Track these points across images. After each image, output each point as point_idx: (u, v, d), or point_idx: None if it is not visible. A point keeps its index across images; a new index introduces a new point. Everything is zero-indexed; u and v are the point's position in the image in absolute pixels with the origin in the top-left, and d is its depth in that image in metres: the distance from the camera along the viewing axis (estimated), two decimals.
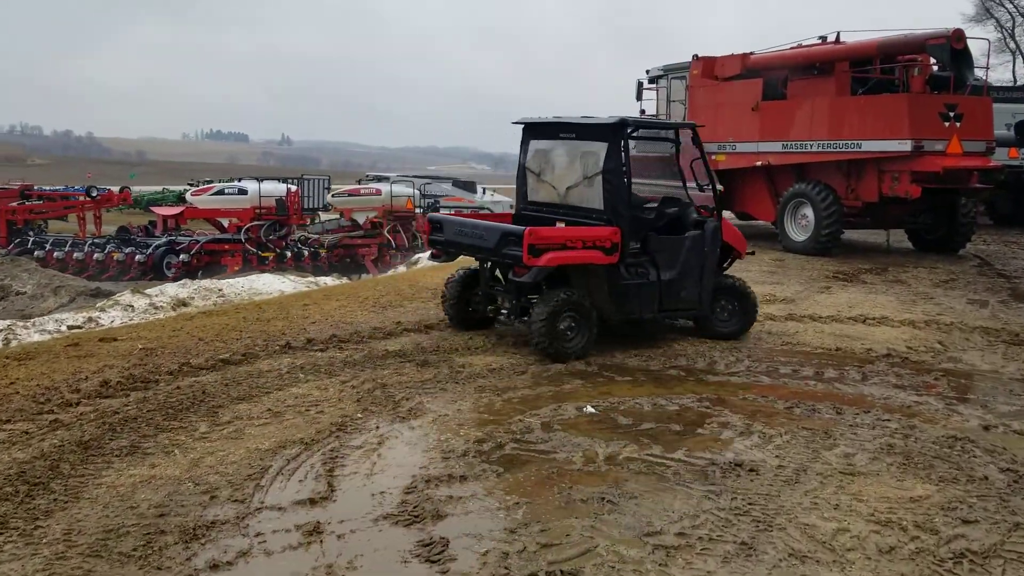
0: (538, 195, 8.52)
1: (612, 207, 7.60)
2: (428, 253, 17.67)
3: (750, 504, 4.48)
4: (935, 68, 15.00)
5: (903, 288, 11.61)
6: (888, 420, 5.90)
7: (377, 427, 5.56)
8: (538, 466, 4.96)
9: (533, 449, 5.23)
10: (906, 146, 13.68)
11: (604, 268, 7.49)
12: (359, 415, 5.77)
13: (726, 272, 8.65)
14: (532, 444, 5.32)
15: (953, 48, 13.41)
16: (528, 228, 7.20)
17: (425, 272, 13.39)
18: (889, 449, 5.33)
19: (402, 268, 15.84)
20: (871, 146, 14.14)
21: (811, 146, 15.03)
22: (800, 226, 15.21)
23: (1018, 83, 34.95)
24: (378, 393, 6.24)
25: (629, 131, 7.73)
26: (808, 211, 14.95)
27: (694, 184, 8.12)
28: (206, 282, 13.25)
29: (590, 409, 6.03)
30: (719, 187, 8.52)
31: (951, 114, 13.99)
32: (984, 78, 16.17)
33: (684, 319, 8.50)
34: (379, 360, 7.17)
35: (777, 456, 5.21)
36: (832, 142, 14.69)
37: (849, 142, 14.44)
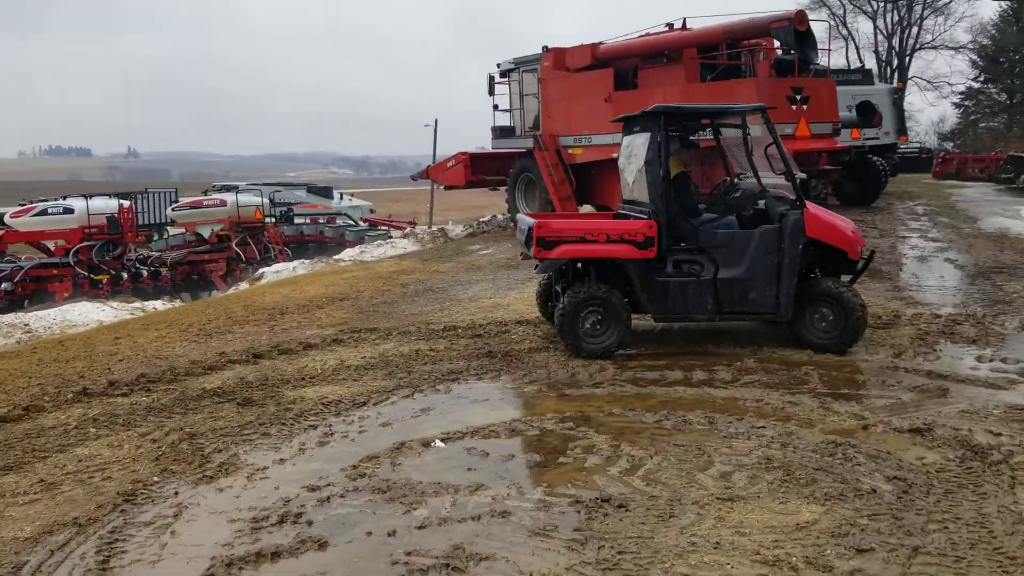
0: (624, 192, 8.36)
1: (652, 199, 7.21)
2: (275, 267, 16.49)
3: (620, 554, 3.80)
4: (780, 52, 15.04)
5: None
6: (763, 427, 5.39)
7: (176, 493, 4.58)
8: (372, 527, 4.13)
9: (363, 505, 4.40)
10: (756, 131, 13.57)
11: (639, 264, 7.13)
12: (155, 478, 4.77)
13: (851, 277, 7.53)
14: (364, 495, 4.48)
15: (797, 30, 13.38)
16: (538, 220, 7.27)
17: (266, 290, 12.25)
18: (768, 463, 4.78)
19: (244, 285, 14.58)
20: (726, 132, 13.97)
21: None
22: None
23: (853, 67, 36.57)
24: (184, 447, 5.24)
25: (667, 120, 7.30)
26: None
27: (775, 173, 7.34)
28: (9, 316, 11.67)
29: (439, 443, 5.25)
30: (799, 174, 7.50)
31: (798, 97, 14.00)
32: (826, 62, 16.41)
33: (762, 323, 7.81)
34: (192, 402, 6.15)
35: (649, 484, 4.57)
36: None
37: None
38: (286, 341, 8.06)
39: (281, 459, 5.08)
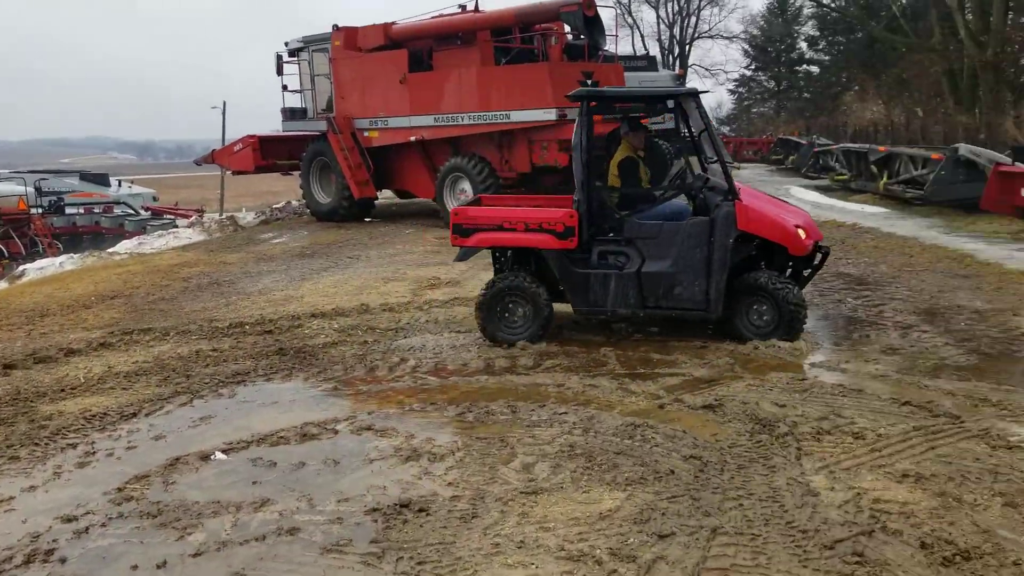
0: None
1: (576, 187, 6.94)
2: (39, 263, 14.86)
3: (420, 564, 3.55)
4: (570, 37, 15.27)
5: None
6: (565, 413, 5.31)
7: None
8: (138, 560, 3.63)
9: (128, 535, 3.88)
10: (551, 115, 13.70)
11: (559, 254, 6.89)
12: None
13: (796, 272, 7.10)
14: (130, 522, 3.96)
15: (585, 15, 13.56)
16: (456, 207, 7.22)
17: (26, 289, 10.97)
18: (571, 451, 4.69)
19: (2, 284, 13.03)
20: (519, 116, 14.01)
21: (463, 119, 14.63)
22: (460, 201, 14.79)
23: (638, 54, 38.19)
24: None
25: (592, 103, 7.02)
26: (466, 185, 14.57)
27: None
28: None
29: (220, 455, 4.76)
30: (731, 162, 7.51)
31: (589, 82, 14.24)
32: (614, 49, 16.85)
33: (689, 320, 7.14)
34: None
35: (450, 484, 4.35)
36: (483, 114, 14.38)
37: (499, 113, 14.21)
38: (44, 347, 7.17)
39: (31, 486, 4.42)
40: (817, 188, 21.09)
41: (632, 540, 3.69)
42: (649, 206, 7.09)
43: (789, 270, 7.03)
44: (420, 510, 4.05)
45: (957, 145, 15.04)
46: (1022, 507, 3.86)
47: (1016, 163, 12.72)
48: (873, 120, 30.23)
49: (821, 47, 48.37)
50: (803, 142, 26.30)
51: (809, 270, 7.12)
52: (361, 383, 6.13)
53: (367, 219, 16.39)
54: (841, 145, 22.06)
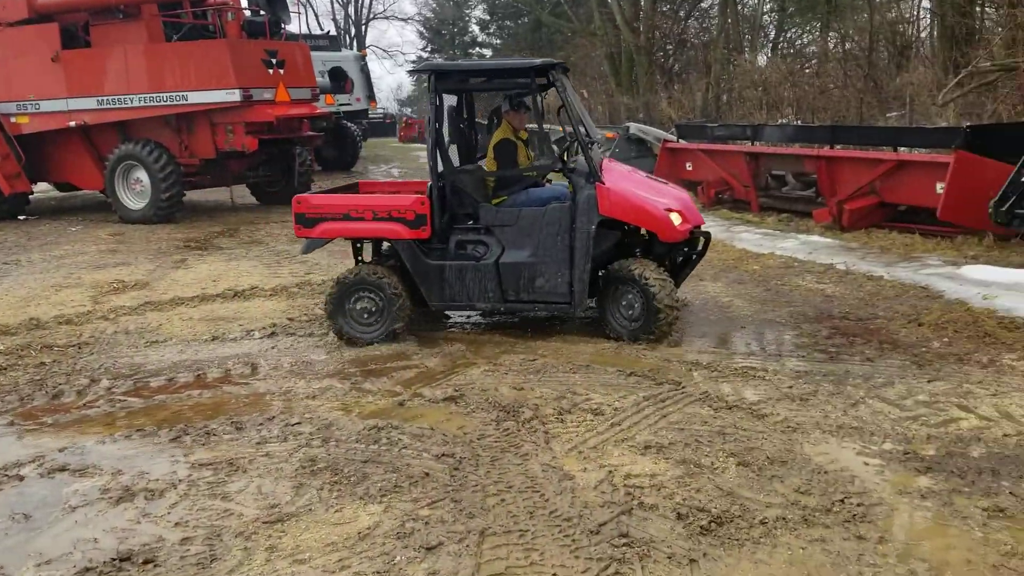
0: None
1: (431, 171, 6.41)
2: None
3: None
4: (249, 13, 14.34)
5: (263, 249, 10.79)
6: (299, 424, 4.86)
7: None
8: None
9: None
10: (235, 96, 12.81)
11: (410, 245, 6.35)
12: None
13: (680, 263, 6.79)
14: None
15: None
16: (297, 196, 6.62)
17: None
18: (312, 466, 4.28)
19: None
20: (199, 97, 12.93)
21: (132, 100, 13.20)
22: (135, 192, 13.37)
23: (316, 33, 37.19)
24: None
25: (438, 79, 6.33)
26: (142, 174, 13.20)
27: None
28: None
29: None
30: (598, 139, 6.49)
31: (273, 61, 13.50)
32: (296, 28, 16.11)
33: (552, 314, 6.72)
34: None
35: (177, 524, 3.76)
36: (155, 95, 13.09)
37: (174, 94, 13.01)
38: None
39: None
40: None
41: (399, 558, 3.41)
42: (524, 191, 6.64)
43: (678, 259, 6.73)
44: (146, 562, 3.44)
45: (628, 124, 16.31)
46: (752, 465, 4.12)
47: (680, 140, 14.03)
48: (547, 102, 31.96)
49: (492, 30, 50.44)
50: (484, 123, 27.15)
51: (695, 257, 6.77)
52: (45, 414, 5.19)
53: (21, 217, 14.28)
54: None
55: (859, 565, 3.24)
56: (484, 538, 3.54)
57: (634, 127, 15.67)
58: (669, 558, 3.33)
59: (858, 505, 3.68)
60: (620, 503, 3.78)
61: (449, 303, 6.44)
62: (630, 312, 6.17)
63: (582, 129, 6.14)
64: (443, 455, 4.34)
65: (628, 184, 6.29)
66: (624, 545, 3.43)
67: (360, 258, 6.88)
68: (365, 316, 6.44)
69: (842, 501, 3.72)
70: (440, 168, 6.35)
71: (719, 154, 12.95)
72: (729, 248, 9.92)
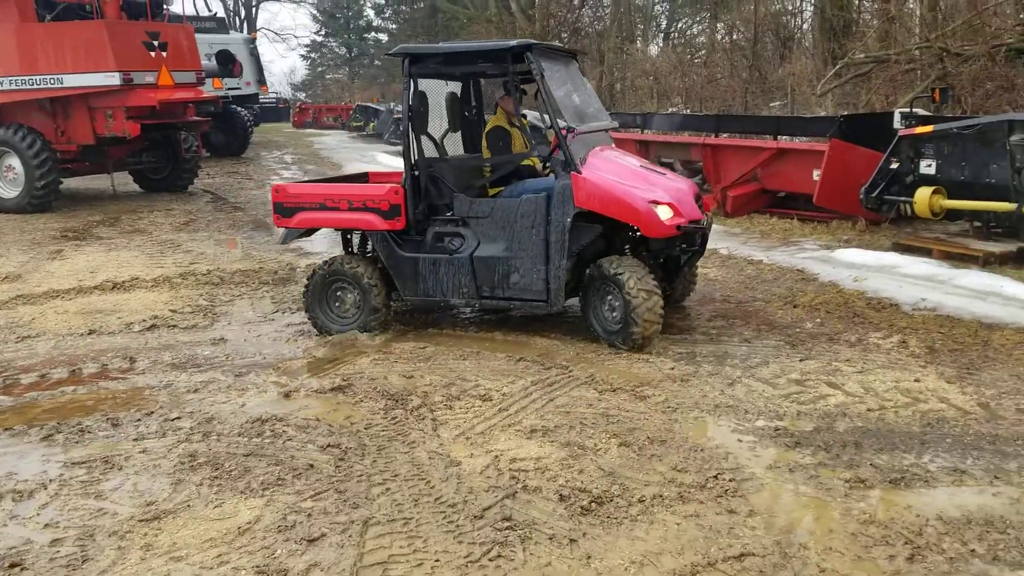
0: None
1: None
2: None
3: None
4: None
5: (145, 238, 10.41)
6: (179, 418, 4.73)
7: None
8: None
9: None
10: (114, 79, 12.30)
11: (385, 236, 6.13)
12: None
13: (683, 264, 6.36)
14: None
15: None
16: (276, 185, 6.41)
17: None
18: (192, 462, 4.18)
19: None
20: (75, 81, 12.37)
21: (2, 83, 12.49)
22: (8, 180, 12.70)
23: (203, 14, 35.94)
24: None
25: (412, 63, 6.04)
26: (15, 161, 12.54)
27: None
28: None
29: None
30: (568, 128, 5.68)
31: (155, 43, 13.00)
32: (180, 9, 15.57)
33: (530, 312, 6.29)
34: None
35: (48, 526, 3.61)
36: (28, 78, 12.46)
37: (49, 77, 12.40)
38: None
39: None
40: (400, 154, 21.70)
41: (279, 551, 3.37)
42: (520, 182, 6.32)
43: (677, 255, 6.23)
44: (13, 565, 3.30)
45: (523, 112, 16.37)
46: (633, 445, 4.24)
47: None
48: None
49: (387, 15, 49.84)
50: (382, 109, 26.92)
51: (691, 255, 6.19)
52: None
53: None
54: None
55: (729, 538, 3.38)
56: (367, 528, 3.53)
57: (531, 115, 15.77)
58: (550, 539, 3.40)
59: (730, 480, 3.84)
60: (505, 487, 3.83)
61: (424, 297, 6.16)
62: (612, 315, 5.70)
63: (561, 121, 5.63)
64: (328, 446, 4.31)
65: (611, 174, 5.74)
66: (507, 528, 3.48)
67: (350, 248, 6.68)
68: (342, 308, 6.25)
69: (716, 477, 3.87)
70: (415, 157, 6.10)
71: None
72: None
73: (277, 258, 9.03)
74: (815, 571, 3.15)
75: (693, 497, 3.71)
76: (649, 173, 6.04)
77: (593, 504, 3.66)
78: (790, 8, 21.98)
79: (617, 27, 24.82)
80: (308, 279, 6.32)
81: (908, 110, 9.78)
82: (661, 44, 26.24)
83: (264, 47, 51.42)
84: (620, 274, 5.56)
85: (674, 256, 6.22)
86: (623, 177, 5.77)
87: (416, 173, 6.07)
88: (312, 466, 4.09)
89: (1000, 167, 7.82)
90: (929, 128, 8.48)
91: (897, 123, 9.29)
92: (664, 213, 5.59)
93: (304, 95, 51.08)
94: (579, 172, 5.58)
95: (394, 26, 48.94)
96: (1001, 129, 7.80)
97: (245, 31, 42.55)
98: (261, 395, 5.07)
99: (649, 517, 3.56)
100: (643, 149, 12.49)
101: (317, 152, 23.73)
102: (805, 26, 21.63)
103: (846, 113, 11.26)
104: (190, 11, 37.06)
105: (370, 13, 50.97)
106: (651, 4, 27.76)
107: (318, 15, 52.15)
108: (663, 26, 28.20)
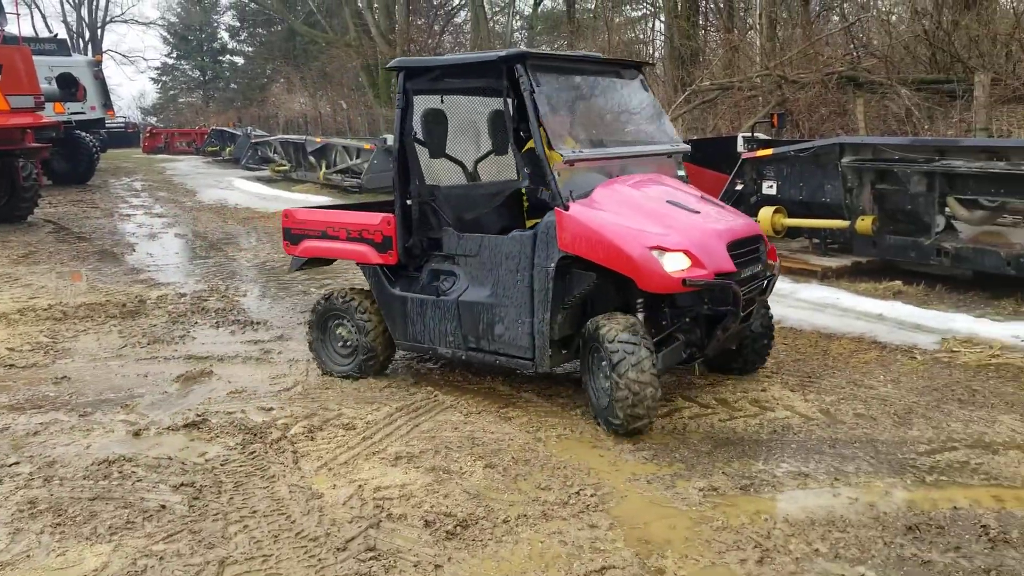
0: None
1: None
2: None
3: None
4: None
5: None
6: (17, 463, 4.42)
7: None
8: None
9: None
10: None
11: (375, 271, 5.56)
12: None
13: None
14: None
15: None
16: (286, 209, 6.07)
17: None
18: (32, 509, 3.90)
19: None
20: None
21: None
22: None
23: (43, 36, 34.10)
24: None
25: (409, 77, 5.38)
26: None
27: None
28: None
29: None
30: (568, 153, 4.81)
31: None
32: (16, 30, 14.74)
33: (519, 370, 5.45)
34: None
35: None
36: None
37: None
38: None
39: None
40: (260, 179, 21.24)
41: None
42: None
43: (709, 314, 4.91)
44: None
45: (385, 136, 16.36)
46: (499, 466, 4.27)
47: None
48: (302, 112, 31.43)
49: (243, 38, 48.68)
50: (239, 133, 26.25)
51: (732, 318, 4.76)
52: None
53: None
54: (278, 137, 22.48)
55: (591, 552, 3.44)
56: (224, 568, 3.40)
57: (392, 139, 15.74)
58: (415, 566, 3.37)
59: (592, 496, 3.92)
60: (369, 517, 3.77)
61: (413, 343, 5.47)
62: (606, 385, 4.58)
63: (562, 149, 4.78)
64: (182, 485, 4.12)
65: (611, 210, 4.71)
66: (371, 559, 3.43)
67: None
68: (343, 347, 5.75)
69: (578, 493, 3.94)
70: (410, 184, 5.36)
71: None
72: None
73: (126, 290, 8.61)
74: (671, 571, 3.26)
75: (556, 514, 3.77)
76: (676, 211, 4.85)
77: (458, 528, 3.65)
78: (642, 37, 22.93)
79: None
80: (311, 313, 5.92)
81: (750, 134, 10.37)
82: None
83: (111, 70, 49.34)
84: (603, 329, 4.56)
85: (711, 316, 4.90)
86: (628, 214, 4.70)
87: (408, 202, 5.38)
88: (164, 507, 3.90)
89: (834, 187, 8.39)
90: (769, 151, 9.01)
91: (740, 147, 9.83)
92: (672, 262, 4.51)
93: (155, 119, 49.08)
94: (564, 208, 4.67)
95: (250, 49, 47.84)
96: (833, 151, 8.37)
97: (89, 53, 40.60)
98: (108, 435, 4.80)
99: (514, 537, 3.58)
100: None
101: (170, 179, 22.84)
102: (657, 54, 22.59)
103: (695, 138, 11.80)
104: (28, 32, 35.05)
105: (224, 35, 49.60)
106: (510, 32, 28.32)
107: (169, 37, 50.35)
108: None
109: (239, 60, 49.54)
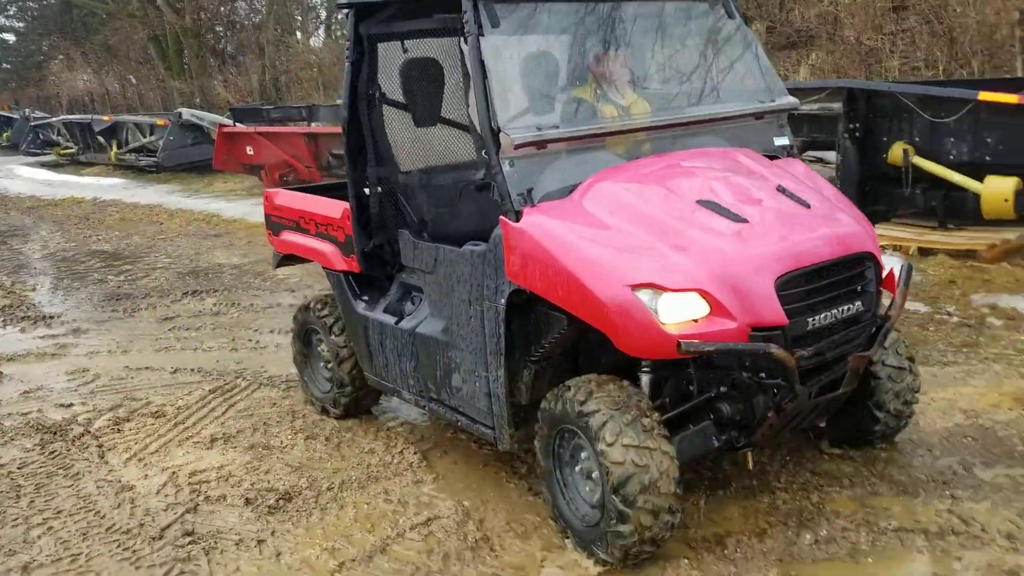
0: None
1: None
2: None
3: None
4: None
5: None
6: None
7: None
8: None
9: None
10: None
11: (339, 279, 4.19)
12: None
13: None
14: None
15: None
16: (267, 191, 4.81)
17: None
18: None
19: None
20: None
21: None
22: None
23: None
24: None
25: (360, 15, 3.78)
26: None
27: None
28: None
29: None
30: (518, 133, 3.06)
31: None
32: None
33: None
34: None
35: None
36: None
37: None
38: None
39: None
40: (44, 165, 19.70)
41: None
42: None
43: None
44: None
45: (180, 110, 15.52)
46: (320, 436, 4.23)
47: (236, 123, 13.69)
48: (88, 89, 29.22)
49: (12, 13, 44.40)
50: (16, 116, 24.17)
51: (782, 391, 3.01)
52: None
53: None
54: (61, 117, 20.81)
55: (416, 507, 3.49)
56: (29, 573, 3.20)
57: (187, 113, 14.96)
58: (237, 544, 3.30)
59: (415, 453, 3.96)
60: (185, 502, 3.65)
61: (380, 381, 4.13)
62: (586, 489, 3.13)
63: (487, 122, 3.10)
64: None
65: (595, 218, 3.03)
66: (189, 543, 3.33)
67: None
68: (326, 368, 4.48)
69: (401, 452, 3.98)
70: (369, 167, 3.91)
71: (278, 136, 12.87)
72: None
73: None
74: (495, 522, 3.36)
75: (381, 475, 3.79)
76: (706, 219, 3.02)
77: (281, 501, 3.60)
78: None
79: (275, 19, 24.18)
80: (292, 321, 4.72)
81: None
82: (323, 35, 25.99)
83: None
84: (608, 451, 2.86)
85: (751, 387, 3.09)
86: (620, 228, 3.00)
87: (367, 191, 3.93)
88: None
89: None
90: None
91: None
92: (673, 309, 2.83)
93: None
94: (515, 218, 3.08)
95: (21, 24, 43.75)
96: None
97: None
98: None
99: (339, 503, 3.57)
100: (312, 142, 12.36)
101: None
102: None
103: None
104: None
105: None
106: None
107: None
108: (323, 17, 27.90)
109: (9, 37, 45.19)
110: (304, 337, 4.59)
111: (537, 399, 3.31)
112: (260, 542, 3.31)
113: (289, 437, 4.24)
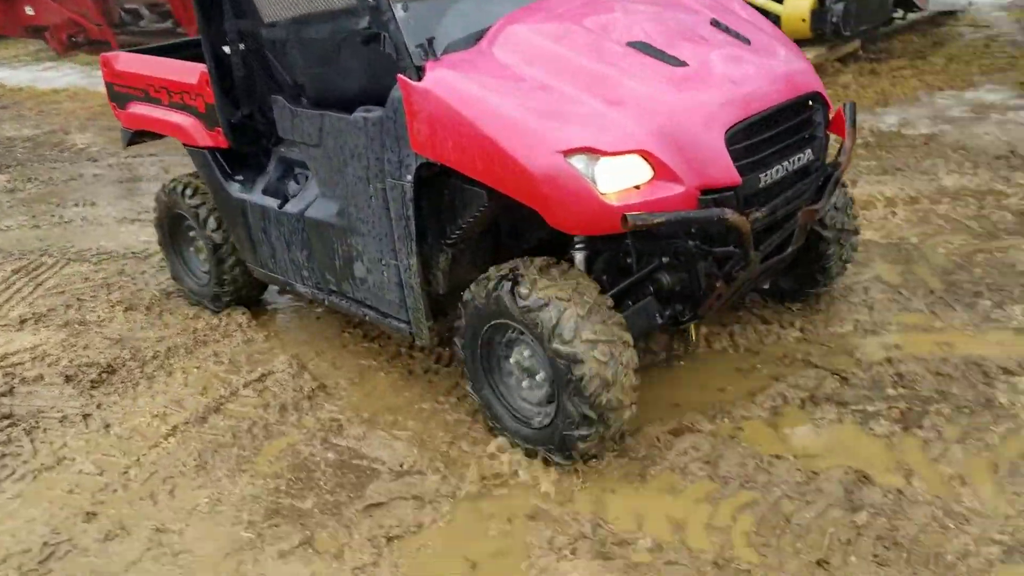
0: None
1: None
2: None
3: None
4: None
5: None
6: None
7: None
8: None
9: None
10: None
11: (207, 157, 3.56)
12: None
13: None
14: None
15: None
16: (104, 55, 4.00)
17: None
18: None
19: None
20: None
21: None
22: None
23: None
24: None
25: None
26: None
27: None
28: None
29: None
30: None
31: None
32: None
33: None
34: None
35: None
36: None
37: None
38: None
39: None
40: None
41: None
42: None
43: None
44: None
45: None
46: (140, 307, 4.06)
47: None
48: None
49: None
50: None
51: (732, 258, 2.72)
52: None
53: None
54: None
55: (250, 365, 3.46)
56: None
57: None
58: (61, 421, 3.18)
59: (243, 314, 3.87)
60: None
61: (268, 273, 3.63)
62: (524, 386, 2.80)
63: None
64: None
65: (511, 71, 2.58)
66: (9, 426, 3.18)
67: None
68: (199, 260, 4.00)
69: (229, 315, 3.88)
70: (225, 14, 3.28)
71: None
72: (95, 95, 9.16)
73: None
74: (330, 371, 3.39)
75: (210, 339, 3.71)
76: (641, 65, 2.60)
77: (104, 375, 3.48)
78: None
79: None
80: (155, 204, 4.07)
81: None
82: None
83: None
84: (563, 348, 2.50)
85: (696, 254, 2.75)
86: (542, 80, 2.55)
87: (227, 49, 3.39)
88: None
89: None
90: None
91: None
92: (613, 176, 2.41)
93: None
94: (415, 76, 2.59)
95: None
96: None
97: None
98: None
99: (167, 370, 3.49)
100: None
101: None
102: None
103: None
104: None
105: None
106: None
107: None
108: None
109: None
110: (171, 223, 4.00)
111: (456, 286, 2.91)
112: (86, 416, 3.20)
113: (106, 311, 4.05)
